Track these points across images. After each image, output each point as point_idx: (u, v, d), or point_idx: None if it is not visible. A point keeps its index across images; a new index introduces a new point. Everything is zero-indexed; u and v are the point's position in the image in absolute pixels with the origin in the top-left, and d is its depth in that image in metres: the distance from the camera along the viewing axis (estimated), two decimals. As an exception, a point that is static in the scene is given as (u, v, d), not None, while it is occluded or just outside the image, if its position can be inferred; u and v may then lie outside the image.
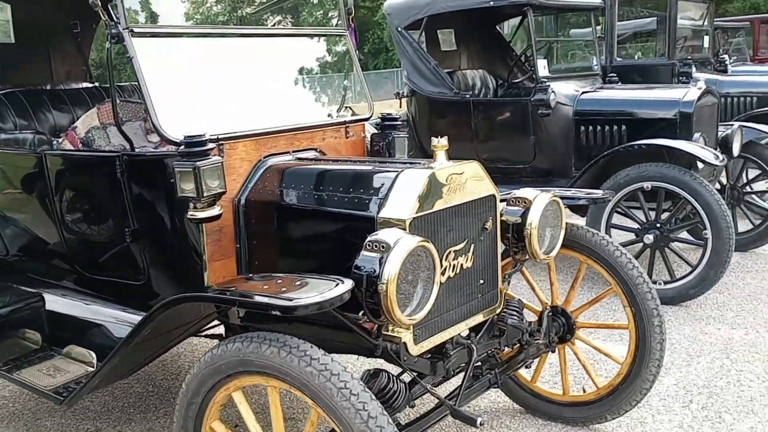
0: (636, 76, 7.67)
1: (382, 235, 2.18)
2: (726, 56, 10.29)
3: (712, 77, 7.60)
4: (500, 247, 2.78)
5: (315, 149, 3.07)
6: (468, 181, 2.57)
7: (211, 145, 2.49)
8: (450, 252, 2.49)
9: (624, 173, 4.76)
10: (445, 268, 2.47)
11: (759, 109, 7.03)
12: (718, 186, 5.87)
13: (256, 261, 2.74)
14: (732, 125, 5.44)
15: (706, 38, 8.19)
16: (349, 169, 2.67)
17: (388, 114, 3.34)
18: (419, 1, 5.86)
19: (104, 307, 3.04)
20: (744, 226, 5.89)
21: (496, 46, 6.82)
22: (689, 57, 7.47)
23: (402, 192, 2.38)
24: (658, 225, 4.73)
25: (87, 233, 3.03)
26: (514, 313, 2.90)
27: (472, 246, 2.60)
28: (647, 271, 4.81)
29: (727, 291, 4.93)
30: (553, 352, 3.16)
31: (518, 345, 2.97)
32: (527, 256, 2.83)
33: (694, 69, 7.35)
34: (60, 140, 3.35)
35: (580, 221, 5.44)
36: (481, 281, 2.67)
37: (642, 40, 10.13)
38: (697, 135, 4.82)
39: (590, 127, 5.34)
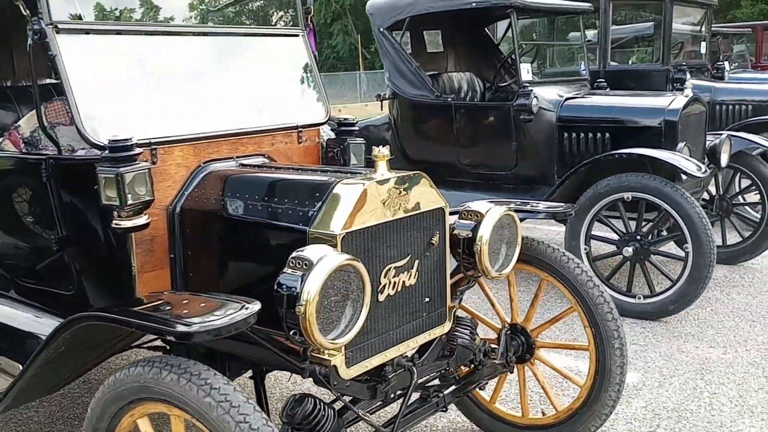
0: (630, 81, 7.51)
1: (307, 251, 2.03)
2: (726, 63, 10.13)
3: (707, 84, 7.45)
4: (451, 263, 2.63)
5: (263, 155, 2.93)
6: (413, 193, 2.41)
7: (138, 150, 2.35)
8: (390, 269, 2.34)
9: (604, 183, 4.60)
10: (384, 286, 2.32)
11: (753, 118, 6.86)
12: (707, 196, 5.72)
13: (191, 272, 2.60)
14: (721, 135, 5.28)
15: (704, 44, 8.01)
16: (287, 178, 2.52)
17: (344, 119, 3.18)
18: (401, 1, 5.70)
19: (38, 316, 2.90)
20: (733, 238, 5.72)
21: (484, 49, 6.66)
22: (684, 63, 7.29)
23: (335, 205, 2.23)
24: (638, 237, 4.56)
25: (18, 239, 2.89)
26: (465, 332, 2.75)
27: (417, 262, 2.44)
28: (626, 285, 4.65)
29: (710, 306, 4.75)
30: (512, 372, 3.00)
31: (471, 365, 2.82)
32: (480, 273, 2.67)
33: (688, 75, 7.18)
34: (0, 140, 3.21)
35: (561, 229, 5.30)
36: (427, 299, 2.52)
37: (644, 44, 9.96)
38: (681, 144, 4.64)
39: (573, 134, 5.18)
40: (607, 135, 5.05)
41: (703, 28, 8.05)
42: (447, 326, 2.63)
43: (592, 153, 5.09)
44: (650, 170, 4.60)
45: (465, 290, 2.82)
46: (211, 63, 2.99)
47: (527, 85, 5.16)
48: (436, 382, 2.78)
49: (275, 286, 2.00)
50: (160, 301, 2.01)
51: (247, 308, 1.88)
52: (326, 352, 2.14)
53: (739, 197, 6.19)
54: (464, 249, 2.63)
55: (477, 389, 2.97)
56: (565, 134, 5.20)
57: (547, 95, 5.29)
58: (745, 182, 5.78)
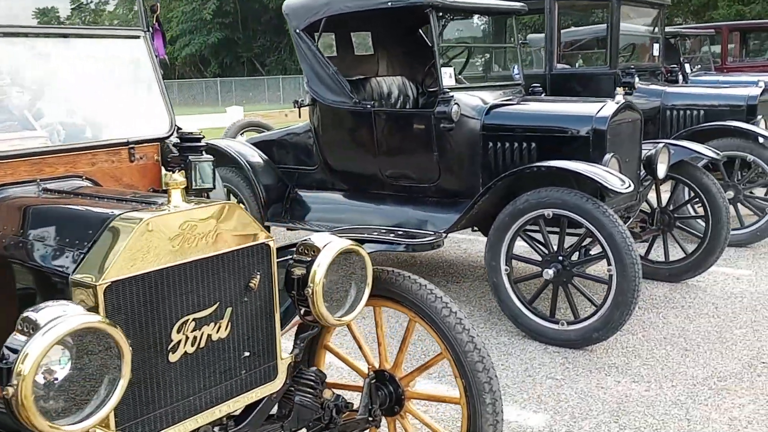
0: (576, 85, 7.14)
1: (43, 311, 1.59)
2: (687, 65, 9.81)
3: (656, 88, 7.08)
4: (280, 306, 2.20)
5: (80, 176, 2.49)
6: (223, 227, 1.98)
7: None
8: (187, 321, 1.91)
9: (524, 198, 4.19)
10: (177, 343, 1.89)
11: (703, 125, 6.49)
12: (648, 209, 5.34)
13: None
14: (659, 144, 4.90)
15: (656, 46, 7.64)
16: (66, 209, 2.09)
17: (188, 133, 2.75)
18: (317, 1, 5.27)
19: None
20: (675, 253, 5.34)
21: (418, 52, 6.24)
22: (632, 66, 6.92)
23: (107, 245, 1.80)
24: (561, 258, 4.16)
25: None
26: (307, 388, 2.33)
27: (229, 310, 2.02)
28: (549, 309, 4.25)
29: (642, 332, 4.36)
30: (378, 427, 2.59)
31: (319, 426, 2.39)
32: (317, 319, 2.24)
33: (637, 79, 6.82)
34: None
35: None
36: (247, 353, 2.09)
37: (601, 47, 9.61)
38: (608, 156, 4.25)
39: (499, 144, 4.77)
40: (533, 145, 4.65)
41: (656, 29, 7.69)
42: (278, 383, 2.20)
43: (518, 164, 4.69)
44: (574, 185, 4.20)
45: (308, 337, 2.39)
46: (27, 68, 2.55)
47: (447, 90, 4.75)
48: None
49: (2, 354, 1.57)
50: None
51: None
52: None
53: (684, 210, 5.83)
54: (298, 291, 2.20)
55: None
56: (490, 144, 4.80)
57: (471, 102, 4.88)
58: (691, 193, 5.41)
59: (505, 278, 4.34)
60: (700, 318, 4.56)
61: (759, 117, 6.34)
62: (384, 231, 2.64)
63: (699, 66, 10.78)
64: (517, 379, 3.75)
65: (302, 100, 5.52)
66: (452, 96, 4.72)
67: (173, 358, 1.89)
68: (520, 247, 4.39)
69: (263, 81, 41.13)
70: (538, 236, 4.32)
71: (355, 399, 2.54)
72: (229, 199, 5.95)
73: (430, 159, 4.92)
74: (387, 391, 2.57)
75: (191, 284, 1.91)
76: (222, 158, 5.88)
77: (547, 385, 3.66)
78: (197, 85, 43.37)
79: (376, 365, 2.63)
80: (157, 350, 1.85)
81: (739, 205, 6.30)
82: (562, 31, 10.14)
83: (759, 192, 6.68)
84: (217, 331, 1.99)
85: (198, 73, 47.53)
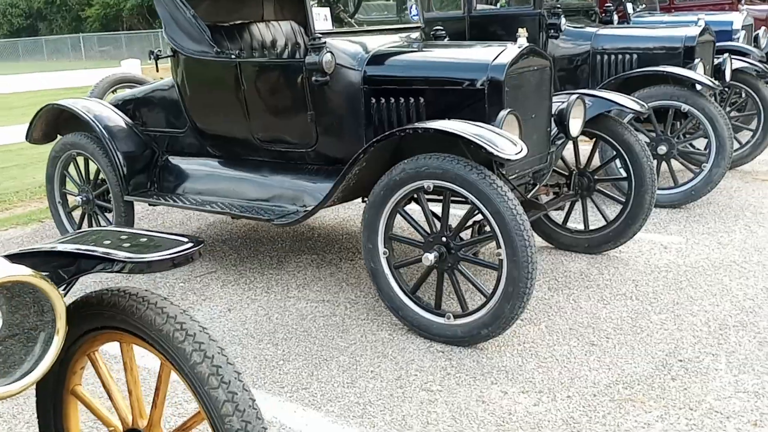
0: (498, 28, 6.37)
1: None
2: (629, 4, 9.07)
3: (586, 30, 6.34)
4: None
5: None
6: None
7: None
8: None
9: (400, 168, 3.46)
10: None
11: (633, 71, 5.78)
12: (565, 171, 4.64)
13: None
14: (571, 96, 4.17)
15: (589, -18, 6.87)
16: None
17: None
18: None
19: None
20: (596, 221, 4.68)
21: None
22: (558, 5, 6.15)
23: None
24: (444, 239, 3.45)
25: None
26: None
27: None
28: (435, 300, 3.56)
29: (546, 320, 3.71)
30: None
31: None
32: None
33: (563, 20, 6.07)
34: None
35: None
36: None
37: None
38: (503, 113, 3.50)
39: (382, 99, 4.00)
40: (421, 100, 3.89)
41: (589, -36, 6.90)
42: None
43: (405, 124, 3.95)
44: (464, 151, 3.47)
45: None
46: None
47: (319, 36, 3.94)
48: None
49: None
50: None
51: None
52: None
53: (610, 170, 5.16)
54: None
55: None
56: (373, 99, 4.03)
57: (351, 49, 4.09)
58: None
59: (384, 263, 3.64)
60: (615, 300, 3.92)
61: (697, 60, 5.65)
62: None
63: (644, 6, 10.03)
64: (383, 394, 3.07)
65: (159, 51, 4.66)
66: (324, 43, 3.91)
67: None
68: (405, 224, 3.67)
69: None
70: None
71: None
72: (88, 168, 5.12)
73: (304, 119, 4.13)
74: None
75: None
76: (74, 122, 5.03)
77: (418, 401, 2.99)
78: (146, 38, 41.43)
79: (129, 421, 1.90)
80: None
81: (673, 161, 5.67)
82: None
83: (700, 144, 6.03)
84: None
85: (147, 25, 45.47)
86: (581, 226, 4.69)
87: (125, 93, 5.32)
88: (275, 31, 5.30)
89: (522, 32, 3.82)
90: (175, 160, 4.95)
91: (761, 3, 12.16)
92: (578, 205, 4.66)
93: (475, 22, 6.42)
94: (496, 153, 3.14)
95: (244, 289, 4.43)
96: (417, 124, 3.46)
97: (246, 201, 4.43)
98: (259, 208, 4.30)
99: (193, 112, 4.66)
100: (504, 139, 3.26)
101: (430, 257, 3.40)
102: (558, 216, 4.75)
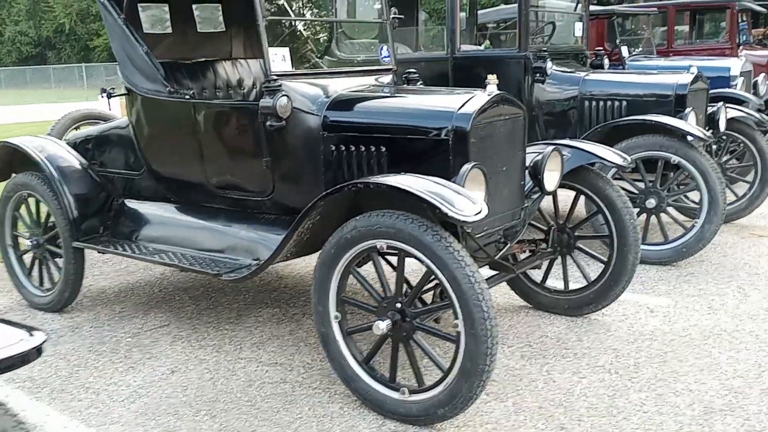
0: (482, 70, 6.07)
1: None
2: (624, 47, 8.88)
3: (574, 75, 6.08)
4: None
5: None
6: None
7: None
8: None
9: (351, 225, 3.14)
10: None
11: (622, 119, 5.49)
12: (544, 226, 4.31)
13: None
14: (547, 147, 3.86)
15: (579, 26, 6.63)
16: None
17: None
18: (120, -42, 4.14)
19: None
20: (576, 282, 4.34)
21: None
22: (544, 49, 5.89)
23: None
24: (398, 305, 3.11)
25: None
26: None
27: None
28: (389, 373, 3.20)
29: (514, 396, 3.35)
30: None
31: None
32: None
33: (549, 63, 5.81)
34: None
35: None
36: None
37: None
38: (466, 167, 3.18)
39: (343, 147, 3.70)
40: (383, 150, 3.59)
41: (579, 7, 6.67)
42: None
43: (367, 174, 3.65)
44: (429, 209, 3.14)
45: None
46: None
47: (275, 78, 3.65)
48: None
49: None
50: None
51: None
52: None
53: (595, 225, 4.83)
54: None
55: None
56: (333, 146, 3.73)
57: (310, 92, 3.80)
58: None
59: (335, 327, 3.30)
60: (593, 374, 3.56)
61: (689, 109, 5.34)
62: None
63: (640, 48, 9.81)
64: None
65: (112, 89, 4.39)
66: (280, 85, 3.63)
67: None
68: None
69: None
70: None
71: None
72: (39, 210, 4.84)
73: (260, 165, 3.83)
74: None
75: None
76: (25, 162, 4.75)
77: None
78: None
79: None
80: None
81: (663, 215, 5.34)
82: (480, 11, 9.17)
83: (697, 196, 5.68)
84: None
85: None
86: (562, 284, 4.35)
87: (83, 131, 5.04)
88: (243, 70, 5.05)
89: (492, 78, 3.52)
90: (131, 203, 4.65)
91: (762, 48, 11.96)
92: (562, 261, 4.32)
93: (458, 63, 6.15)
94: (450, 214, 2.82)
95: (195, 347, 4.09)
96: (369, 179, 3.14)
97: (199, 251, 4.12)
98: (211, 260, 3.99)
99: (147, 153, 4.37)
100: (463, 198, 2.94)
101: (381, 326, 3.06)
102: (538, 274, 4.41)
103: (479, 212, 2.90)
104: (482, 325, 2.81)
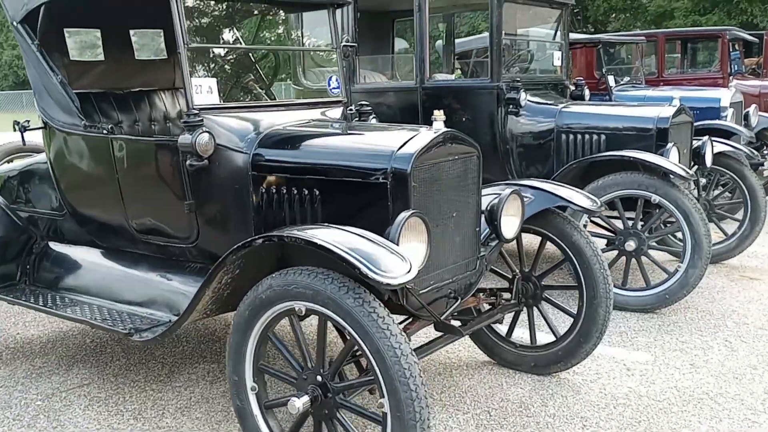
0: (453, 101, 5.72)
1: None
2: (610, 77, 8.53)
3: (550, 107, 5.69)
4: None
5: None
6: None
7: None
8: None
9: (266, 284, 2.70)
10: None
11: (599, 155, 5.09)
12: (508, 274, 3.87)
13: None
14: (506, 189, 3.44)
15: (557, 54, 6.25)
16: None
17: None
18: (32, -20, 3.74)
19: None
20: (547, 333, 3.90)
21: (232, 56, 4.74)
22: (518, 79, 5.50)
23: None
24: (319, 378, 2.65)
25: None
26: None
27: None
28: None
29: (461, 479, 2.89)
30: None
31: None
32: None
33: (523, 95, 5.43)
34: None
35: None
36: None
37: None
38: (400, 218, 2.74)
39: (273, 189, 3.28)
40: (317, 192, 3.16)
41: (558, 35, 6.30)
42: None
43: (298, 220, 3.22)
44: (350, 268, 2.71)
45: None
46: None
47: (197, 111, 3.24)
48: None
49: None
50: None
51: None
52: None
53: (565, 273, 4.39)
54: None
55: None
56: (263, 188, 3.30)
57: (237, 127, 3.38)
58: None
59: (252, 400, 2.85)
60: (556, 449, 3.10)
61: (670, 145, 4.94)
62: None
63: (628, 78, 9.45)
64: None
65: (27, 122, 3.98)
66: (201, 120, 3.22)
67: None
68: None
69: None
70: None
71: None
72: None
73: (182, 208, 3.41)
74: None
75: None
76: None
77: None
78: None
79: None
80: None
81: (644, 258, 4.91)
82: (458, 40, 8.82)
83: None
84: None
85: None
86: (527, 341, 3.90)
87: (5, 167, 4.62)
88: (184, 101, 4.64)
89: (438, 115, 3.11)
90: (55, 246, 4.22)
91: (754, 78, 11.62)
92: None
93: (428, 93, 5.77)
94: (371, 275, 2.38)
95: (111, 412, 3.62)
96: (283, 231, 2.72)
97: (118, 304, 3.69)
98: (128, 314, 3.55)
99: (66, 193, 3.95)
100: (392, 255, 2.51)
101: (297, 404, 2.60)
102: (503, 326, 3.97)
103: (409, 271, 2.46)
104: (410, 407, 2.36)
